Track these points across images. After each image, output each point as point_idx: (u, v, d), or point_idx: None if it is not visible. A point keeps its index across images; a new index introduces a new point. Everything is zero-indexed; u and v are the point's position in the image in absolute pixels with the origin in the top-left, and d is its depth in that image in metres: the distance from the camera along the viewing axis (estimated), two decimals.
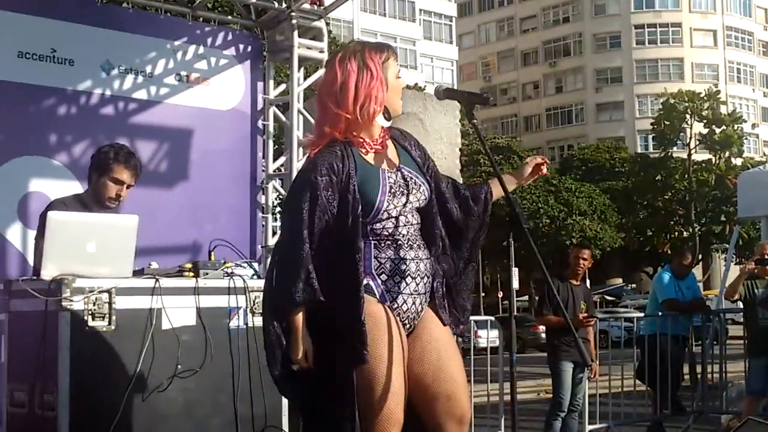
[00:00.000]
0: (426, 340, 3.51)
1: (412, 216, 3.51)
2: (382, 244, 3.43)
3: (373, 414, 3.31)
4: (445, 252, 3.63)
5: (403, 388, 3.38)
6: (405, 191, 3.48)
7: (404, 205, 3.47)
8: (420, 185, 3.53)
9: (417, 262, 3.48)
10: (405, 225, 3.47)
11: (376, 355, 3.33)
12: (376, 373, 3.32)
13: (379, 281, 3.42)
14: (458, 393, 3.51)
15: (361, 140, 3.44)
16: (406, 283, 3.45)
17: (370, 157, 3.45)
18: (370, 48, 3.48)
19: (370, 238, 3.42)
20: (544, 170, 3.77)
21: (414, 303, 3.48)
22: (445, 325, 3.58)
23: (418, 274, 3.48)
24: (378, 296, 3.40)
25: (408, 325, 3.49)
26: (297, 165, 6.96)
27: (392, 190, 3.44)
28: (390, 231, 3.44)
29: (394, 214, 3.44)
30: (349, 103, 3.39)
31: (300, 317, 3.33)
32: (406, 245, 3.46)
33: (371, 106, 3.40)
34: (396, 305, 3.45)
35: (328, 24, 7.35)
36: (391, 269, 3.43)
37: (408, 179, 3.50)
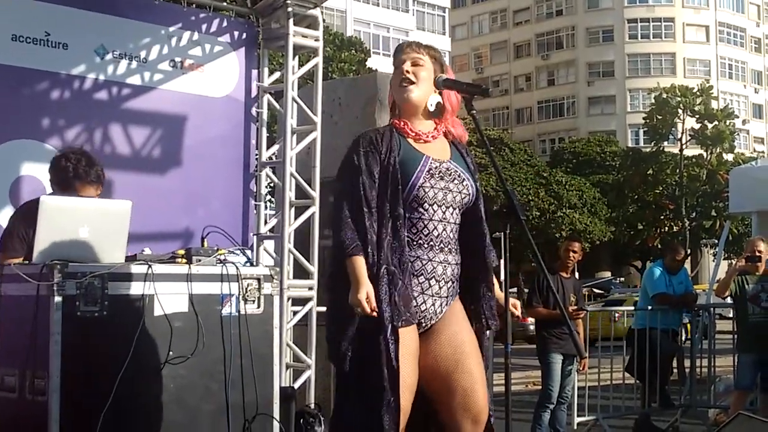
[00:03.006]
0: (443, 336, 3.60)
1: (452, 214, 3.62)
2: (414, 242, 3.55)
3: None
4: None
5: (413, 383, 3.48)
6: (447, 177, 3.62)
7: (445, 192, 3.58)
8: (464, 180, 3.66)
9: (445, 266, 3.60)
10: (442, 221, 3.58)
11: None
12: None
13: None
14: (476, 387, 3.58)
15: (404, 126, 3.68)
16: (430, 284, 3.56)
17: (416, 145, 3.65)
18: None
19: (405, 223, 3.55)
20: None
21: (434, 305, 3.58)
22: (483, 325, 3.71)
23: (443, 278, 3.59)
24: None
25: (424, 324, 3.59)
26: (290, 153, 6.94)
27: (431, 172, 3.59)
28: (425, 223, 3.55)
29: (431, 195, 3.55)
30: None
31: (359, 262, 3.43)
32: (437, 246, 3.57)
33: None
34: (415, 303, 3.54)
35: (322, 13, 7.31)
36: (419, 269, 3.55)
37: (453, 171, 3.65)
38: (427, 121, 3.73)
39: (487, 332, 3.79)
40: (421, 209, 3.55)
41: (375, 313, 3.37)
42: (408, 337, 3.48)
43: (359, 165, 3.53)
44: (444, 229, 3.59)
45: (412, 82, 3.67)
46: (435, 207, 3.57)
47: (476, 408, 3.55)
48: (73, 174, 4.76)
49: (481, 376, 3.61)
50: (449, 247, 3.60)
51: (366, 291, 3.37)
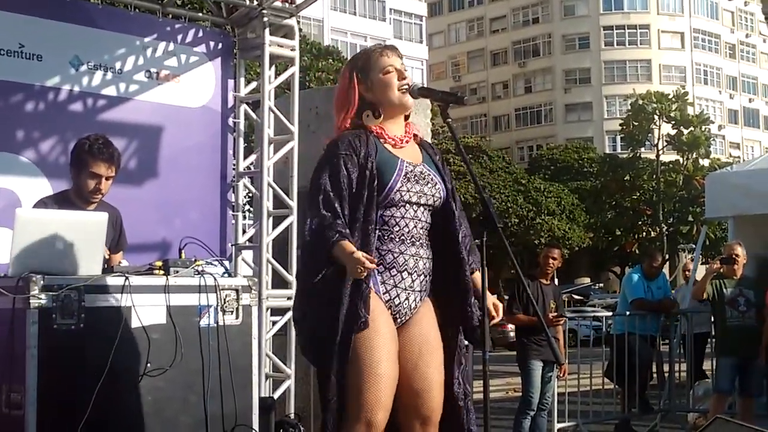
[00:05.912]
0: (412, 335, 3.61)
1: (424, 214, 3.64)
2: (386, 237, 3.55)
3: (364, 397, 3.40)
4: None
5: (395, 378, 3.47)
6: (422, 181, 3.64)
7: (419, 195, 3.61)
8: (437, 183, 3.69)
9: (417, 259, 3.60)
10: (413, 219, 3.60)
11: (372, 345, 3.43)
12: (370, 360, 3.42)
13: (377, 272, 3.52)
14: (429, 393, 3.59)
15: (381, 131, 3.66)
16: (402, 277, 3.57)
17: (392, 149, 3.65)
18: (352, 60, 3.81)
19: (377, 226, 3.54)
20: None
21: (407, 299, 3.58)
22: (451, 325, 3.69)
23: (416, 271, 3.59)
24: (374, 288, 3.51)
25: (399, 319, 3.59)
26: (267, 163, 6.93)
27: (407, 176, 3.61)
28: (397, 221, 3.57)
29: (406, 199, 3.58)
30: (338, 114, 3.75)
31: (345, 244, 3.38)
32: (408, 241, 3.58)
33: (341, 113, 3.71)
34: (389, 297, 3.55)
35: (298, 22, 7.31)
36: (390, 262, 3.55)
37: (426, 174, 3.67)
38: (401, 125, 3.74)
39: (464, 333, 3.76)
40: (393, 208, 3.57)
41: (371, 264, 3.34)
42: (386, 329, 3.49)
43: (338, 168, 3.52)
44: (415, 226, 3.60)
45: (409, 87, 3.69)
46: (407, 206, 3.59)
47: (426, 412, 3.57)
48: (88, 149, 4.96)
49: (437, 379, 3.61)
50: (420, 242, 3.61)
51: (357, 256, 3.32)
